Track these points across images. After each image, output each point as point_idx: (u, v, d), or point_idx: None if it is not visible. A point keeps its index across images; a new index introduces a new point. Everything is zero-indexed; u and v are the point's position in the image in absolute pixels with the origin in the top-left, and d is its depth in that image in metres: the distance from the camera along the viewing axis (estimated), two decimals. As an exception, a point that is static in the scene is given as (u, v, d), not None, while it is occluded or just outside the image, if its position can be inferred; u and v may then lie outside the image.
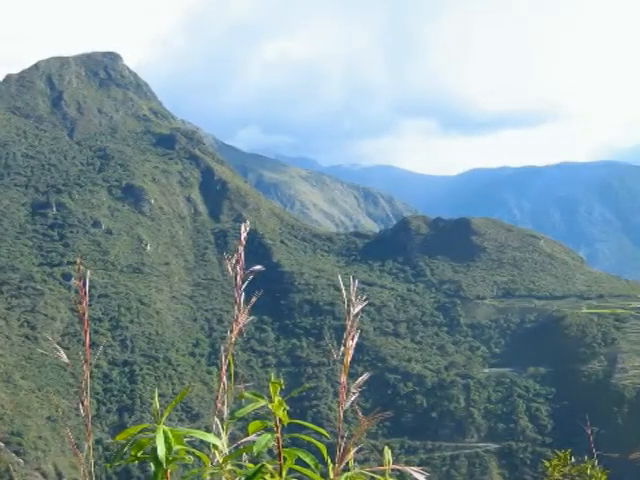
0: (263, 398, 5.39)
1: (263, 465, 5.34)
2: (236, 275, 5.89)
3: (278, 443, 5.35)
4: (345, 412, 5.75)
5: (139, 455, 5.21)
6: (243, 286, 5.92)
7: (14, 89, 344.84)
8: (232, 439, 5.66)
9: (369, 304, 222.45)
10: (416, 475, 5.45)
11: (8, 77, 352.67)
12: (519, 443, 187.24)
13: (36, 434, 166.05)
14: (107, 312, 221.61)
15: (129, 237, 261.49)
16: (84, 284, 6.03)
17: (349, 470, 5.52)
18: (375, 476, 5.54)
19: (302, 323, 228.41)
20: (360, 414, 5.81)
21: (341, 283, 5.78)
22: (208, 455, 5.51)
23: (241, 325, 6.06)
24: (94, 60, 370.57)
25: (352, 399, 5.69)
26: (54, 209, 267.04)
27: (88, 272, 6.17)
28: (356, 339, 5.72)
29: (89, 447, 6.30)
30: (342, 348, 5.68)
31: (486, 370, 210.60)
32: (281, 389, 5.42)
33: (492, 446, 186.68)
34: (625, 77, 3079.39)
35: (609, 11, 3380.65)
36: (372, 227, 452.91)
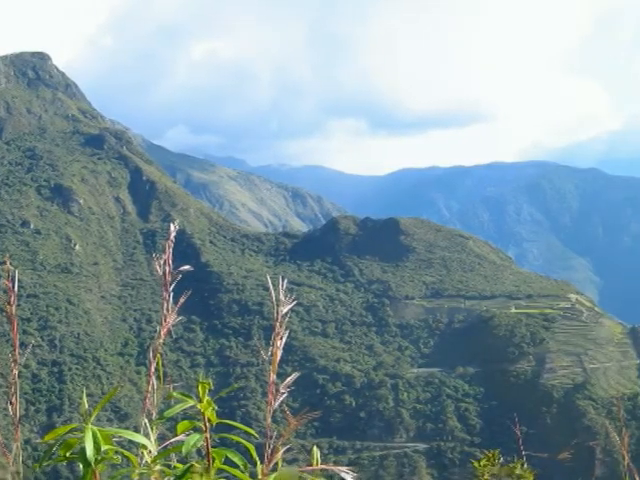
0: (192, 398, 5.39)
1: (192, 465, 5.33)
2: (164, 275, 5.88)
3: (207, 443, 5.35)
4: (274, 412, 5.76)
5: (68, 455, 5.18)
6: (172, 286, 5.91)
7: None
8: (161, 439, 5.64)
9: (298, 304, 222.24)
10: (344, 475, 5.47)
11: None
12: (448, 443, 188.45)
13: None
14: (36, 312, 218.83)
15: (58, 237, 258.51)
16: (13, 284, 5.97)
17: (277, 470, 5.53)
18: (303, 476, 5.55)
19: (231, 323, 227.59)
20: (289, 414, 5.82)
21: (270, 283, 5.79)
22: (137, 455, 5.49)
23: (170, 325, 6.04)
24: (22, 60, 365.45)
25: (281, 399, 5.70)
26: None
27: (17, 272, 6.10)
28: (285, 339, 5.73)
29: (18, 447, 6.23)
30: (271, 348, 5.68)
31: (415, 370, 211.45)
32: (210, 389, 5.42)
33: (421, 446, 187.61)
34: (553, 78, 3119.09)
35: (536, 13, 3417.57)
36: (301, 227, 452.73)
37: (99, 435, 5.05)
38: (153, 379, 6.00)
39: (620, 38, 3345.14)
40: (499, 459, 13.03)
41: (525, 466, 13.15)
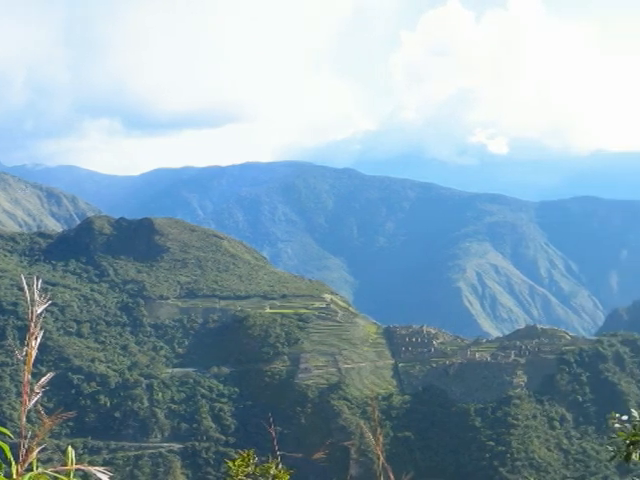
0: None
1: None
2: None
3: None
4: (28, 412, 5.72)
5: None
6: None
7: None
8: None
9: (53, 304, 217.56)
10: (99, 475, 5.49)
11: None
12: (202, 443, 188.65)
13: None
14: None
15: None
16: None
17: (32, 470, 5.50)
18: (58, 476, 5.54)
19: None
20: (43, 414, 5.78)
21: (24, 283, 5.73)
22: None
23: None
24: None
25: (35, 399, 5.66)
26: None
27: None
28: (39, 339, 5.69)
29: None
30: (25, 348, 5.64)
31: (169, 370, 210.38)
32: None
33: (176, 446, 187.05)
34: (310, 78, 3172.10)
35: (291, 13, 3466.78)
36: (56, 227, 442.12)
37: None
38: None
39: (375, 38, 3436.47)
40: (254, 459, 12.99)
41: (280, 466, 13.20)
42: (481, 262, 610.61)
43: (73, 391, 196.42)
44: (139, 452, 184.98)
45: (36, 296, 5.75)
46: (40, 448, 5.63)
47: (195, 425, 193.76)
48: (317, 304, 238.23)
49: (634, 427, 12.31)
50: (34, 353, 5.73)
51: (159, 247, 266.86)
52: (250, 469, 12.89)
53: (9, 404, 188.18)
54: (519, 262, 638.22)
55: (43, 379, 5.75)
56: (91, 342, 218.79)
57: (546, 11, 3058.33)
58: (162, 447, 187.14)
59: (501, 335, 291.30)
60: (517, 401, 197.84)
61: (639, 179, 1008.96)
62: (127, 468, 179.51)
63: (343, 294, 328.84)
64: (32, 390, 5.70)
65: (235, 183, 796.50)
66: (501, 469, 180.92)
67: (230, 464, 12.88)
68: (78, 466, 5.64)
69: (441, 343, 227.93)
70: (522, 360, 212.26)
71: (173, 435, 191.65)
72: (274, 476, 13.00)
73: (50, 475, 5.59)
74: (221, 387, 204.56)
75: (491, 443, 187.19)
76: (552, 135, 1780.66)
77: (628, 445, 12.21)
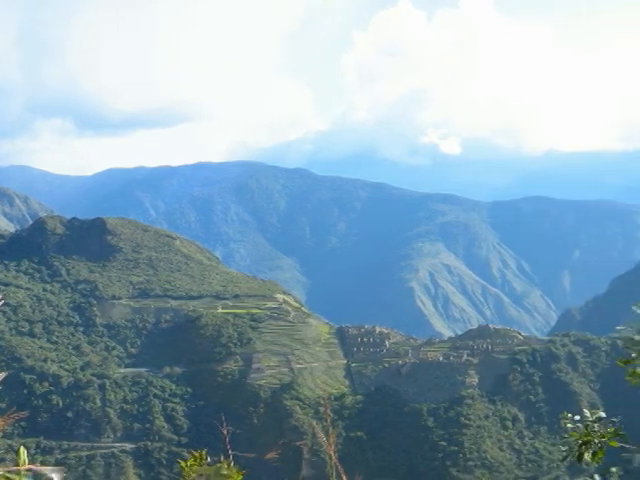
0: None
1: None
2: None
3: None
4: (-19, 412, 5.73)
5: None
6: None
7: None
8: None
9: (5, 304, 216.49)
10: (52, 475, 5.51)
11: None
12: (155, 443, 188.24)
13: None
14: None
15: None
16: None
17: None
18: (10, 476, 5.55)
19: None
20: (-4, 414, 5.80)
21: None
22: None
23: None
24: None
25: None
26: None
27: None
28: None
29: None
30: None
31: (122, 370, 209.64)
32: None
33: (128, 446, 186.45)
34: (262, 78, 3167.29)
35: (243, 12, 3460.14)
36: (8, 227, 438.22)
37: None
38: None
39: (327, 38, 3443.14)
40: (206, 459, 12.87)
41: (232, 466, 12.88)
42: (434, 262, 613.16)
43: (25, 391, 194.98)
44: (91, 452, 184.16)
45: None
46: (-7, 448, 5.60)
47: (147, 425, 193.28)
48: (269, 304, 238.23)
49: (586, 427, 12.35)
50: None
51: (111, 247, 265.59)
52: (202, 469, 12.66)
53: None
54: (472, 262, 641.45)
55: (-4, 379, 5.76)
56: (44, 342, 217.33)
57: (497, 10, 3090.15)
58: (114, 447, 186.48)
59: (454, 335, 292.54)
60: (469, 401, 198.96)
61: (591, 179, 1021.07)
62: (80, 468, 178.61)
63: (295, 294, 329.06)
64: (-15, 390, 5.68)
65: (187, 183, 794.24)
66: (453, 469, 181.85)
67: (182, 464, 12.69)
68: (30, 466, 5.66)
69: (393, 343, 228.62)
70: (475, 360, 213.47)
71: (125, 435, 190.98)
72: (226, 476, 12.66)
73: (2, 475, 5.60)
74: (173, 387, 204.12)
75: (443, 443, 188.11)
76: (504, 135, 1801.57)
77: (580, 445, 12.26)
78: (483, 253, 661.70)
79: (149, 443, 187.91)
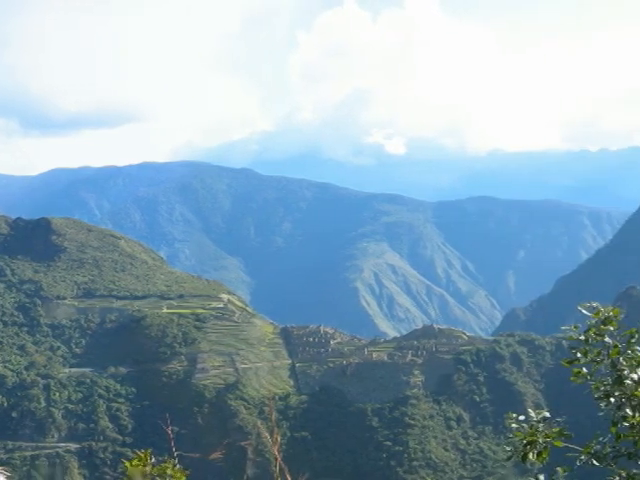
0: None
1: None
2: None
3: None
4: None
5: None
6: None
7: None
8: None
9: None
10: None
11: None
12: (100, 443, 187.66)
13: None
14: None
15: None
16: None
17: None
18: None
19: None
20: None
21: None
22: None
23: None
24: None
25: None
26: None
27: None
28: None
29: None
30: None
31: (67, 370, 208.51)
32: None
33: (73, 446, 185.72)
34: (207, 78, 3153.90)
35: (187, 13, 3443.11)
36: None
37: None
38: None
39: (272, 39, 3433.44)
40: (151, 459, 13.10)
41: (177, 466, 13.38)
42: (378, 262, 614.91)
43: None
44: (36, 452, 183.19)
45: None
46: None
47: (92, 425, 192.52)
48: (214, 304, 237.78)
49: (531, 427, 12.46)
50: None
51: (56, 247, 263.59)
52: (147, 469, 12.97)
53: None
54: (416, 262, 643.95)
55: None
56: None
57: (443, 11, 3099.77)
58: (59, 447, 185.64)
59: (398, 335, 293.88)
60: (414, 401, 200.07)
61: (536, 179, 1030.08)
62: (24, 468, 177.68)
63: (240, 294, 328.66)
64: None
65: (132, 183, 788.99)
66: (398, 469, 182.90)
67: (127, 464, 12.98)
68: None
69: (338, 343, 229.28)
70: (419, 360, 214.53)
71: (70, 435, 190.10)
72: (171, 476, 13.13)
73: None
74: (118, 387, 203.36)
75: (388, 443, 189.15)
76: (449, 135, 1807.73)
77: (525, 445, 12.38)
78: (428, 253, 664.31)
79: (94, 443, 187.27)
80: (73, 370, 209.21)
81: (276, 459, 14.06)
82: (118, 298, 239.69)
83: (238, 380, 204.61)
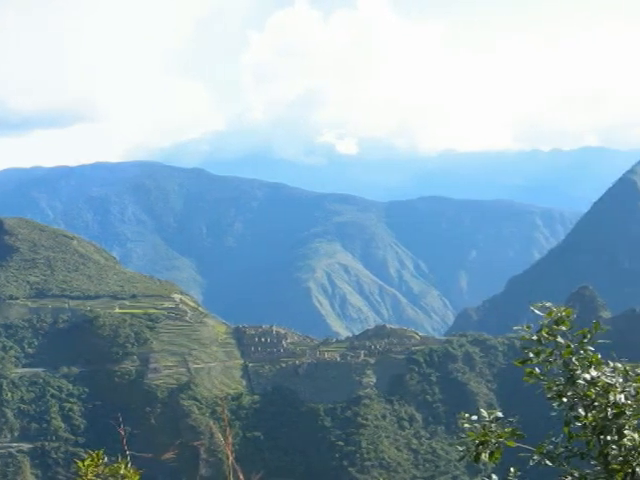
0: None
1: None
2: None
3: None
4: None
5: None
6: None
7: None
8: None
9: None
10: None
11: None
12: (52, 443, 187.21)
13: None
14: None
15: None
16: None
17: None
18: None
19: None
20: None
21: None
22: None
23: None
24: None
25: None
26: None
27: None
28: None
29: None
30: None
31: (19, 370, 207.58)
32: None
33: (25, 446, 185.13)
34: (159, 79, 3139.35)
35: (139, 14, 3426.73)
36: None
37: None
38: None
39: (224, 39, 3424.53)
40: (103, 459, 13.36)
41: (130, 466, 13.62)
42: (330, 262, 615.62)
43: None
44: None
45: None
46: None
47: (45, 425, 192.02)
48: (166, 304, 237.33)
49: (483, 427, 12.53)
50: None
51: (8, 247, 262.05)
52: (99, 469, 13.24)
53: None
54: (369, 262, 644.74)
55: None
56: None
57: (395, 12, 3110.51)
58: (11, 447, 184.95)
59: (351, 335, 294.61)
60: (367, 401, 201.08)
61: (487, 179, 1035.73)
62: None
63: (192, 294, 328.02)
64: None
65: (84, 183, 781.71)
66: (351, 469, 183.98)
67: (80, 464, 13.28)
68: None
69: (291, 343, 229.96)
70: (372, 360, 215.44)
71: (23, 435, 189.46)
72: (123, 476, 13.34)
73: None
74: (71, 387, 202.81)
75: (341, 443, 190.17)
76: (400, 135, 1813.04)
77: (477, 445, 12.45)
78: (380, 253, 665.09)
79: (46, 443, 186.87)
80: (25, 370, 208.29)
81: (229, 459, 14.33)
82: (71, 298, 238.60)
83: (190, 380, 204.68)
